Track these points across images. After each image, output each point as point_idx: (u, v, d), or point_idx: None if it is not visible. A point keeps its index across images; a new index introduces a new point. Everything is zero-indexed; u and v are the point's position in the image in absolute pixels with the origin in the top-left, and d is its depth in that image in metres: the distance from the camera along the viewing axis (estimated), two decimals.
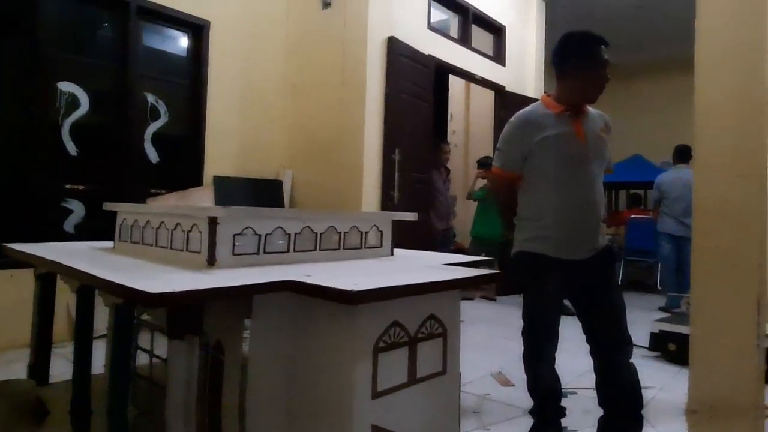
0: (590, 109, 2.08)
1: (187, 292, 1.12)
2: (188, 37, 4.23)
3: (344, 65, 4.17)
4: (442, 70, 5.14)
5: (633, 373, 2.04)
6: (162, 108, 4.07)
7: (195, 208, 1.68)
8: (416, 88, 4.50)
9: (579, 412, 2.45)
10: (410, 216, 2.28)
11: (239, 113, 4.36)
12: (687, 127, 2.64)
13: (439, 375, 1.78)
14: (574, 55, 1.98)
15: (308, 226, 1.87)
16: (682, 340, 2.84)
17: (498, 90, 5.79)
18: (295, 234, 1.82)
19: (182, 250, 1.62)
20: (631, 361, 2.06)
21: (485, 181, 5.22)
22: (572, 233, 1.98)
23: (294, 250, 1.83)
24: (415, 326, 1.67)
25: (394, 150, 4.21)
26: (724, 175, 2.57)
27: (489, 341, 3.95)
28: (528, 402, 2.14)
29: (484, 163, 5.26)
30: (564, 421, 2.13)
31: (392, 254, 2.24)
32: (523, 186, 2.08)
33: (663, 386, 2.95)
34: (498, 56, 5.86)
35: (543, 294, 2.02)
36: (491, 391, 2.75)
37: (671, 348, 3.40)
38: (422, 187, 4.67)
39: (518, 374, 2.16)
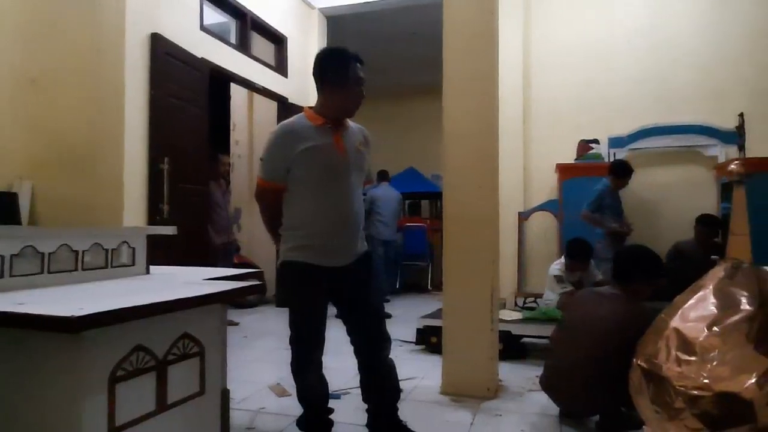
0: (350, 123, 2.21)
1: None
2: None
3: (98, 61, 3.67)
4: (219, 76, 4.95)
5: (391, 367, 2.22)
6: None
7: None
8: (188, 92, 4.23)
9: (351, 409, 2.56)
10: (168, 230, 2.11)
11: None
12: None
13: (196, 396, 1.67)
14: (330, 71, 2.08)
15: (31, 246, 1.59)
16: (441, 332, 3.20)
17: (280, 101, 5.82)
18: (12, 255, 1.53)
19: None
20: (390, 357, 2.23)
21: None
22: (333, 241, 2.06)
23: (10, 275, 1.53)
24: (165, 348, 1.54)
25: (162, 159, 3.88)
26: (466, 185, 2.99)
27: (272, 353, 3.90)
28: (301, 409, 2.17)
29: None
30: (337, 419, 2.22)
31: (148, 272, 2.05)
32: (287, 197, 2.10)
33: (425, 375, 3.28)
34: (280, 67, 5.89)
35: (307, 302, 2.07)
36: (267, 404, 2.71)
37: (433, 340, 3.81)
38: (198, 199, 4.41)
39: None
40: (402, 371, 3.28)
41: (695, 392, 1.40)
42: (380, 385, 2.20)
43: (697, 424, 1.38)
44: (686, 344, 1.49)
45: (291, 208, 2.09)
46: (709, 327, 1.47)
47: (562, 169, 5.64)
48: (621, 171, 4.82)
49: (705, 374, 1.40)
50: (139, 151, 3.79)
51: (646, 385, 1.57)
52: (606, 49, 5.78)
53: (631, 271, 2.46)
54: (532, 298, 5.56)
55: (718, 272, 1.60)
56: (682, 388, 1.43)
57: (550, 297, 4.31)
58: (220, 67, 4.76)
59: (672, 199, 5.49)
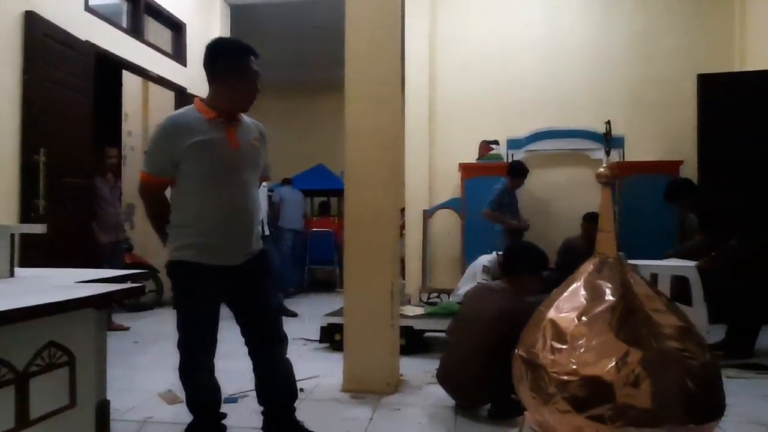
0: (245, 117, 2.14)
1: None
2: None
3: None
4: (108, 62, 4.60)
5: (288, 367, 2.18)
6: None
7: None
8: (70, 78, 3.88)
9: (248, 413, 2.49)
10: (37, 228, 1.93)
11: None
12: None
13: (65, 410, 1.54)
14: (223, 63, 2.00)
15: None
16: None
17: (178, 91, 5.52)
18: None
19: None
20: (287, 356, 2.19)
21: None
22: (225, 239, 1.99)
23: None
24: (26, 359, 1.40)
25: (38, 150, 3.53)
26: (366, 184, 3.00)
27: (166, 359, 3.69)
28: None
29: None
30: (232, 424, 2.15)
31: (12, 275, 1.85)
32: (175, 192, 2.01)
33: (327, 373, 3.26)
34: (178, 55, 5.58)
35: (197, 303, 1.98)
36: (156, 413, 2.57)
37: (337, 338, 3.80)
38: (81, 194, 4.06)
39: None
40: (305, 370, 3.28)
41: (565, 377, 1.50)
42: (276, 386, 2.16)
43: (566, 407, 1.49)
44: (559, 334, 1.59)
45: (179, 205, 1.99)
46: (579, 317, 1.59)
47: (465, 169, 5.86)
48: (517, 171, 5.11)
49: (574, 360, 1.51)
50: (9, 140, 3.41)
51: (525, 374, 1.66)
52: (507, 55, 6.08)
53: (517, 266, 2.61)
54: (437, 294, 5.74)
55: (588, 266, 1.73)
56: (554, 374, 1.53)
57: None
58: (108, 52, 4.42)
59: (563, 198, 5.90)
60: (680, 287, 3.94)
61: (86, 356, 1.63)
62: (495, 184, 5.14)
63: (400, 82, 3.12)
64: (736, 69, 5.60)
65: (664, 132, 5.71)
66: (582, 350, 1.52)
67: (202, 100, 2.06)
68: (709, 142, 5.05)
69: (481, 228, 5.32)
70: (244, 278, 2.04)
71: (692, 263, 3.83)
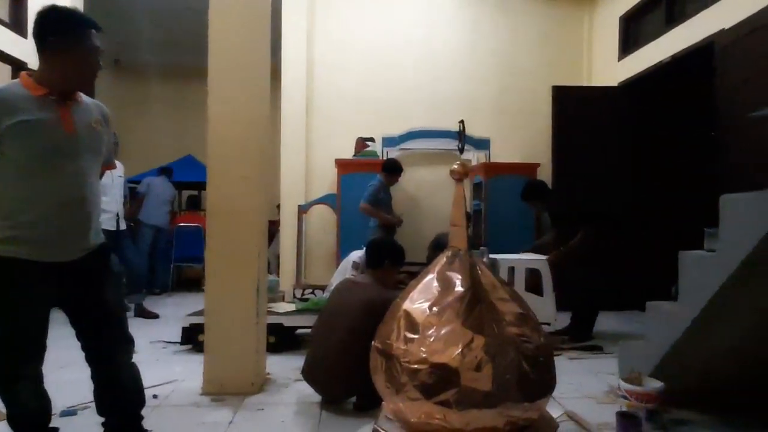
0: (85, 97, 1.92)
1: None
2: None
3: None
4: None
5: (134, 372, 2.01)
6: None
7: None
8: None
9: (89, 426, 2.24)
10: None
11: None
12: None
13: None
14: (56, 34, 1.76)
15: None
16: None
17: (17, 65, 4.83)
18: None
19: None
20: (132, 360, 2.01)
21: None
22: (56, 233, 1.76)
23: None
24: None
25: None
26: (230, 176, 2.86)
27: None
28: None
29: None
30: None
31: None
32: None
33: (187, 376, 3.07)
34: (18, 25, 4.88)
35: (19, 304, 1.74)
36: None
37: (201, 339, 3.58)
38: None
39: None
40: (162, 374, 3.07)
41: (416, 366, 1.55)
42: (119, 394, 1.96)
43: (416, 394, 1.54)
44: (412, 324, 1.64)
45: None
46: (431, 308, 1.65)
47: (341, 165, 5.87)
48: (392, 168, 5.24)
49: (424, 349, 1.56)
50: None
51: (381, 365, 1.69)
52: (384, 55, 6.21)
53: (380, 259, 2.68)
54: (311, 290, 5.68)
55: (442, 259, 1.80)
56: (406, 364, 1.58)
57: None
58: None
59: (434, 195, 6.16)
60: (534, 279, 4.32)
61: None
62: (370, 180, 5.22)
63: (268, 68, 3.01)
64: (585, 83, 6.28)
65: (524, 136, 6.22)
66: (432, 339, 1.57)
67: (30, 74, 1.80)
68: (561, 147, 5.59)
69: (356, 223, 5.37)
70: (80, 275, 1.83)
71: (543, 257, 4.21)
